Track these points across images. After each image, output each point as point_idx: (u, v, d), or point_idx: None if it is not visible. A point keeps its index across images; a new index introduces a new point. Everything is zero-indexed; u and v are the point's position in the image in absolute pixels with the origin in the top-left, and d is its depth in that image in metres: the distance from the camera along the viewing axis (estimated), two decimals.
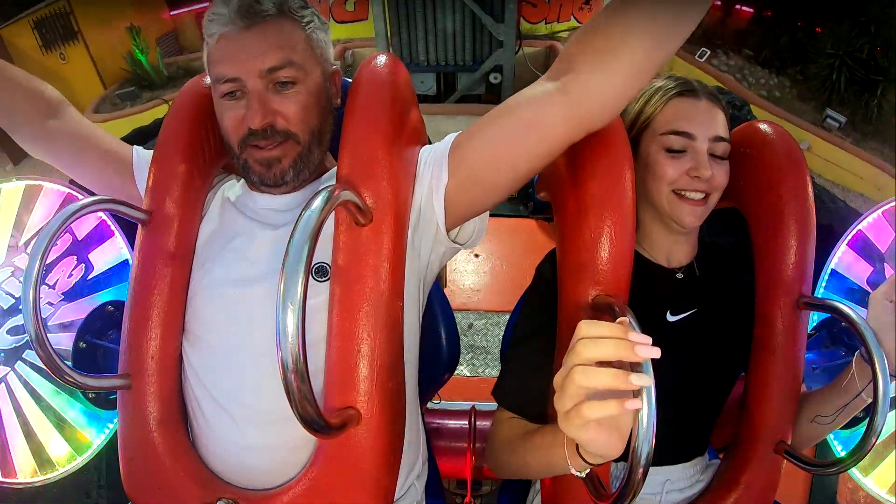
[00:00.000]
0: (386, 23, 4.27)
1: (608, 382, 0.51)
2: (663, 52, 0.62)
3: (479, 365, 2.37)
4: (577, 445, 0.60)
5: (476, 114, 3.67)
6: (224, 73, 0.74)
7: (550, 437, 0.68)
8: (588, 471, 0.63)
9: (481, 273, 2.47)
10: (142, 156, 0.88)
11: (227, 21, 0.73)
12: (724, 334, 0.85)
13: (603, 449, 0.55)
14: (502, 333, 2.30)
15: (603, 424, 0.54)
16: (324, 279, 0.73)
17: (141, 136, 0.94)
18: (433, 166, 0.75)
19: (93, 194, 0.91)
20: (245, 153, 0.77)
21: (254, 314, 0.75)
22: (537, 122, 0.68)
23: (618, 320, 0.56)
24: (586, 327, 0.53)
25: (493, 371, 2.32)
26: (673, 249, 0.86)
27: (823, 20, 4.22)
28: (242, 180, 0.90)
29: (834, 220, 1.09)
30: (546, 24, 5.48)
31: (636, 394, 0.56)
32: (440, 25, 4.17)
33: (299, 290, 0.53)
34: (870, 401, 0.72)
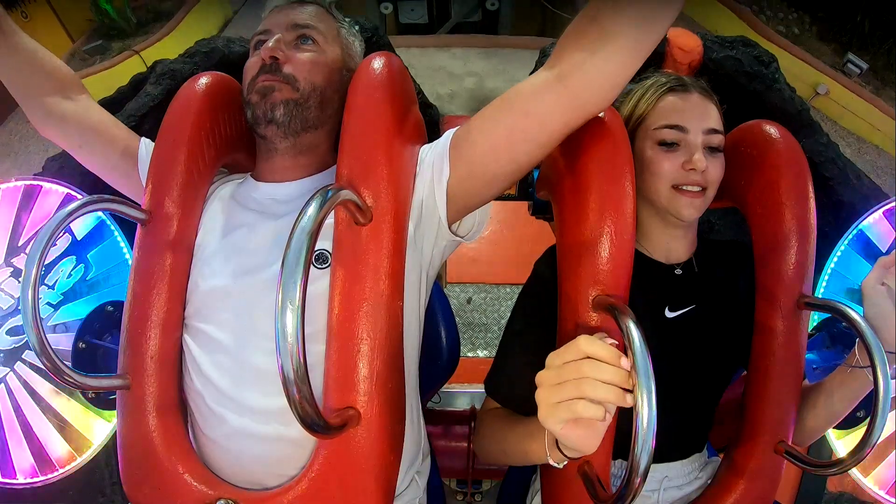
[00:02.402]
0: None
1: (610, 399, 0.54)
2: (653, 34, 0.63)
3: (478, 344, 2.24)
4: (556, 439, 0.63)
5: (472, 45, 3.43)
6: (260, 28, 0.85)
7: (531, 428, 0.71)
8: (566, 462, 0.66)
9: (481, 240, 2.28)
10: (149, 149, 0.89)
11: (282, 1, 0.87)
12: (723, 330, 0.85)
13: (579, 443, 0.58)
14: (503, 308, 2.19)
15: (580, 422, 0.56)
16: (324, 266, 0.73)
17: (105, 108, 0.93)
18: (434, 162, 0.76)
19: (93, 193, 0.91)
20: (250, 91, 0.81)
21: (255, 304, 0.75)
22: (536, 111, 0.69)
23: (609, 341, 0.58)
24: (586, 344, 0.56)
25: (493, 351, 2.14)
26: (671, 245, 0.86)
27: None
28: (246, 176, 0.90)
29: (856, 198, 1.06)
30: None
31: (636, 395, 0.56)
32: None
33: (298, 291, 0.53)
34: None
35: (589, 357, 0.56)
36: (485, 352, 2.21)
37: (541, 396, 0.58)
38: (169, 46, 3.78)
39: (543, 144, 0.71)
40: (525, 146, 0.71)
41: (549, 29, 4.21)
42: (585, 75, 0.66)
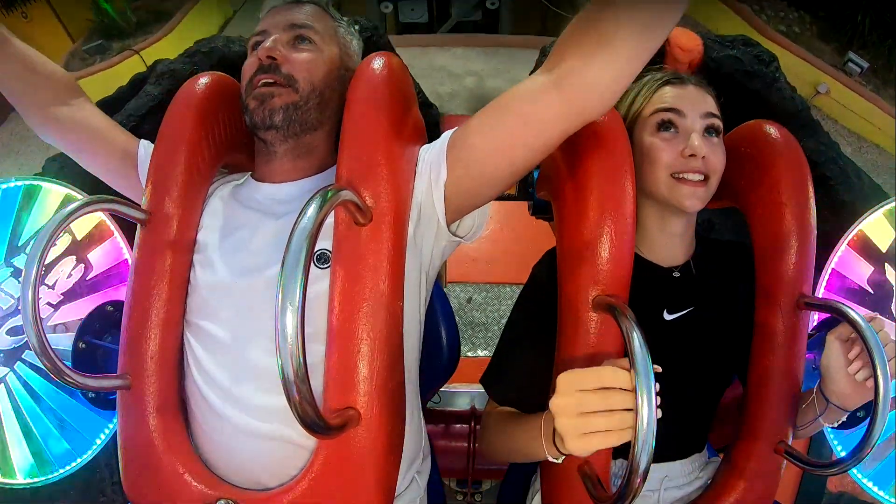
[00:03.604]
0: None
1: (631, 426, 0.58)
2: (653, 40, 0.63)
3: (478, 343, 2.26)
4: (553, 437, 0.65)
5: (472, 45, 3.39)
6: (257, 29, 0.85)
7: (530, 427, 0.73)
8: (564, 458, 0.69)
9: (481, 239, 2.26)
10: (148, 150, 0.89)
11: (278, 1, 0.87)
12: (721, 332, 0.85)
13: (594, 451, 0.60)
14: (504, 308, 2.21)
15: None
16: (325, 266, 0.73)
17: (103, 109, 0.93)
18: (432, 164, 0.76)
19: (93, 193, 0.91)
20: (248, 94, 0.81)
21: (257, 303, 0.75)
22: (533, 116, 0.69)
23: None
24: (612, 376, 0.58)
25: (493, 350, 2.23)
26: (670, 248, 0.86)
27: None
28: (246, 175, 0.90)
29: (857, 198, 1.06)
30: None
31: (637, 395, 0.56)
32: None
33: (298, 291, 0.53)
34: (826, 425, 0.78)
35: (609, 387, 0.58)
36: (485, 351, 2.21)
37: (566, 426, 0.59)
38: (169, 46, 3.78)
39: (541, 149, 0.71)
40: (522, 150, 0.71)
41: (549, 28, 4.20)
42: (584, 82, 0.65)
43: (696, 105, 0.79)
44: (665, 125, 0.79)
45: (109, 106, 1.17)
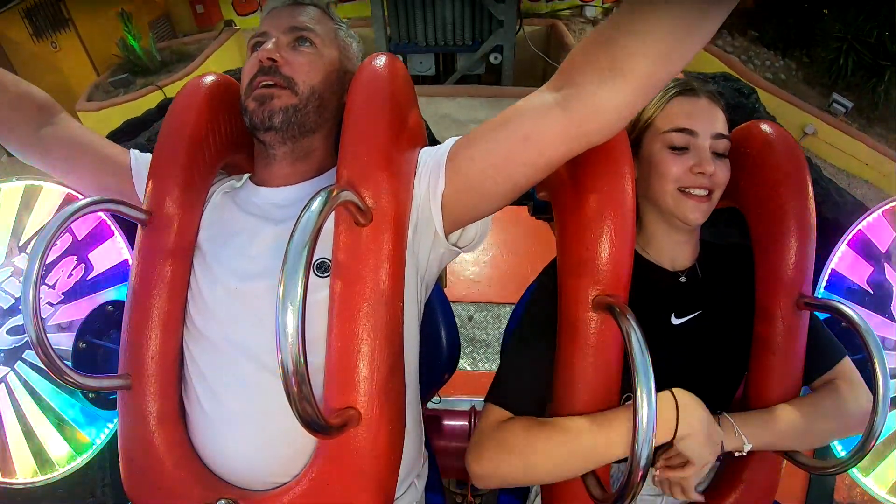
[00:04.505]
0: (382, 2, 4.17)
1: None
2: (669, 70, 0.60)
3: (479, 358, 2.35)
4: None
5: (476, 95, 3.66)
6: (258, 30, 0.85)
7: (608, 424, 0.71)
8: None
9: (481, 264, 2.42)
10: (140, 160, 0.88)
11: (279, 2, 0.86)
12: (729, 334, 0.85)
13: None
14: (503, 326, 2.30)
15: None
16: (325, 275, 0.73)
17: (131, 129, 0.94)
18: (431, 171, 0.75)
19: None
20: (248, 96, 0.81)
21: (255, 310, 0.75)
22: (536, 135, 0.67)
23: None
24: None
25: (494, 365, 2.29)
26: (676, 252, 0.86)
27: (831, 3, 4.09)
28: (245, 177, 0.90)
29: (840, 214, 1.09)
30: (547, 2, 5.35)
31: (636, 395, 0.56)
32: (438, 4, 4.06)
33: (299, 290, 0.53)
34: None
35: None
36: (486, 365, 2.29)
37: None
38: None
39: (542, 167, 0.70)
40: (523, 169, 0.70)
41: (548, 80, 4.54)
42: (592, 106, 0.63)
43: (708, 123, 0.80)
44: (678, 149, 0.80)
45: (137, 126, 1.21)
